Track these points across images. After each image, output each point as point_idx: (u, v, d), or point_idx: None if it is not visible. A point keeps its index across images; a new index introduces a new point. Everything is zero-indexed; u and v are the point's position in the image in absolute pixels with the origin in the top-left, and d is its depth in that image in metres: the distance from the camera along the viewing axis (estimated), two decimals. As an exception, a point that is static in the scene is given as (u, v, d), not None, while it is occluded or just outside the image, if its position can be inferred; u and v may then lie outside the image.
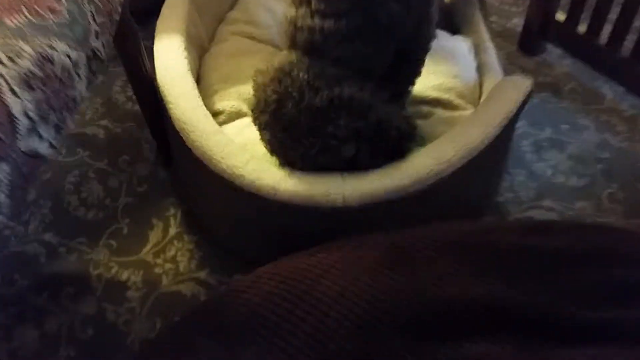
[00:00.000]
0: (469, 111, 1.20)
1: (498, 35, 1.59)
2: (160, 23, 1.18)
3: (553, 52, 1.50)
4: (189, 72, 1.09)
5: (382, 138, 0.89)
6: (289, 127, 0.86)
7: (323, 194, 0.87)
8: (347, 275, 0.71)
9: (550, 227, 0.86)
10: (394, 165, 0.92)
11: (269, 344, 0.63)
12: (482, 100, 1.22)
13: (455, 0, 1.45)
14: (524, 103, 1.02)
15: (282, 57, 0.89)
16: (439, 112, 1.19)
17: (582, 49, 1.39)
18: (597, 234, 0.80)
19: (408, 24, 0.91)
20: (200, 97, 1.05)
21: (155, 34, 1.16)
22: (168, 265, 1.09)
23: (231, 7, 1.42)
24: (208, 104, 1.17)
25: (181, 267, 1.08)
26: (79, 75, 0.79)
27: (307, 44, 0.87)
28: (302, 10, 0.86)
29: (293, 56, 0.87)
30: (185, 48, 1.13)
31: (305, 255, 0.81)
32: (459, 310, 0.64)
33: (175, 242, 1.13)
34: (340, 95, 0.84)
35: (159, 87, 1.06)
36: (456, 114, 1.19)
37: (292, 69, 0.85)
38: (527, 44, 1.53)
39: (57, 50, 0.75)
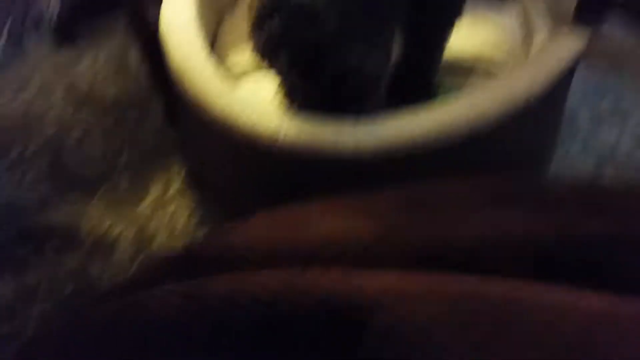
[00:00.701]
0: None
1: None
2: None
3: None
4: (197, 20, 0.98)
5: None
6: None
7: (330, 140, 0.74)
8: (345, 220, 0.58)
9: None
10: (421, 110, 0.78)
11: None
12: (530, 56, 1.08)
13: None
14: (574, 63, 0.86)
15: None
16: (476, 81, 1.04)
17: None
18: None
19: None
20: (205, 43, 0.94)
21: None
22: (165, 222, 0.98)
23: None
24: (224, 58, 1.07)
25: (179, 224, 0.98)
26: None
27: None
28: None
29: None
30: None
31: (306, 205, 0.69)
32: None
33: (176, 197, 1.02)
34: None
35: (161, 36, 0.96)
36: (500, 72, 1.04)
37: None
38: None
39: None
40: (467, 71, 1.05)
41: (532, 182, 0.76)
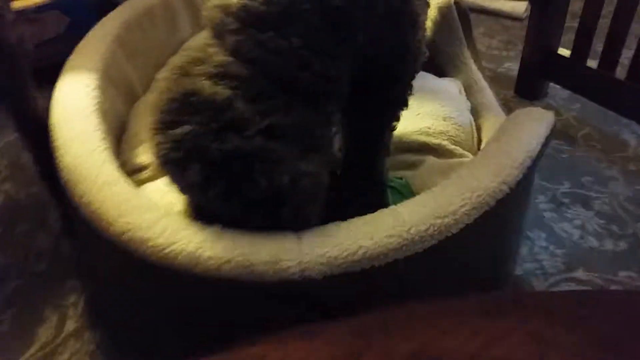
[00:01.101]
0: (468, 159, 0.94)
1: (490, 81, 1.36)
2: (71, 60, 0.94)
3: (558, 95, 1.28)
4: (96, 112, 0.82)
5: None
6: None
7: (269, 261, 0.57)
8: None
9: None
10: (377, 218, 0.63)
11: None
12: (483, 144, 0.97)
13: (438, 39, 1.24)
14: (548, 140, 0.76)
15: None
16: (430, 159, 0.93)
17: (594, 87, 1.16)
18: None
19: (377, 22, 0.65)
20: (108, 143, 0.77)
21: (63, 71, 0.91)
22: (55, 379, 0.76)
23: (174, 52, 1.17)
24: (130, 157, 0.90)
25: (73, 380, 0.75)
26: None
27: (213, 24, 0.60)
28: None
29: (202, 42, 0.60)
30: (98, 87, 0.87)
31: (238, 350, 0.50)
32: None
33: (71, 341, 0.80)
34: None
35: (51, 130, 0.79)
36: (452, 161, 0.92)
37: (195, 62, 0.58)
38: (526, 87, 1.30)
39: None
40: (421, 148, 0.94)
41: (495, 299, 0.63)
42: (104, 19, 1.07)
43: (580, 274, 0.87)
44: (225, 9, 0.59)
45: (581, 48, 1.15)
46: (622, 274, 0.87)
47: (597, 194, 1.02)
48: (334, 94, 0.61)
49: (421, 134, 0.97)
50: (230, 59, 0.56)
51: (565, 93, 1.27)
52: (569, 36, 1.19)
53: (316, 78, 0.58)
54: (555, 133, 1.14)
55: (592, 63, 1.15)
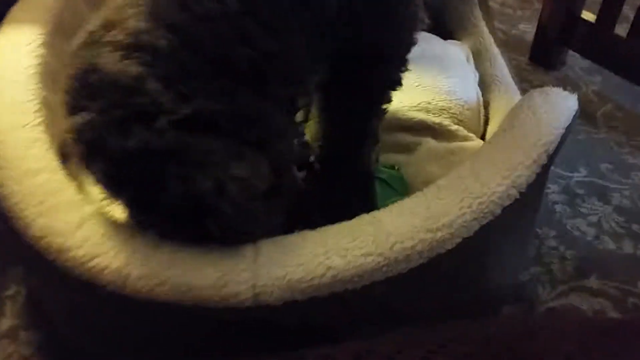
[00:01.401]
0: (472, 142, 0.81)
1: (502, 44, 1.21)
2: (15, 9, 0.79)
3: (577, 64, 1.14)
4: (37, 76, 0.69)
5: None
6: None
7: (213, 284, 0.46)
8: None
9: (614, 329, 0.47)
10: (354, 228, 0.51)
11: None
12: (491, 125, 0.85)
13: (446, -4, 1.09)
14: (569, 130, 0.63)
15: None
16: (428, 142, 0.80)
17: (621, 58, 1.01)
18: None
19: None
20: (44, 116, 0.64)
21: (3, 23, 0.77)
22: (-20, 389, 0.66)
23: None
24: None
25: (2, 391, 0.66)
26: None
27: None
28: None
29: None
30: (44, 44, 0.74)
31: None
32: None
33: (5, 343, 0.70)
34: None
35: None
36: (453, 145, 0.80)
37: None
38: (542, 55, 1.15)
39: None
40: (418, 127, 0.81)
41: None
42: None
43: (593, 282, 0.76)
44: None
45: (608, 12, 1.00)
46: (642, 283, 0.76)
47: (616, 185, 0.89)
48: (287, 74, 0.48)
49: (419, 110, 0.84)
50: (146, 24, 0.42)
51: (586, 63, 1.12)
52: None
53: (260, 55, 0.45)
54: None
55: (621, 30, 1.00)
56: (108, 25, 0.43)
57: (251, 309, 0.47)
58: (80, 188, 0.58)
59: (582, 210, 0.85)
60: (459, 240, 0.51)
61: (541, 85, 1.05)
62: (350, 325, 0.52)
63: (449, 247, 0.51)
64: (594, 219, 0.84)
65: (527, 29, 1.25)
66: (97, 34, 0.43)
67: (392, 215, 0.52)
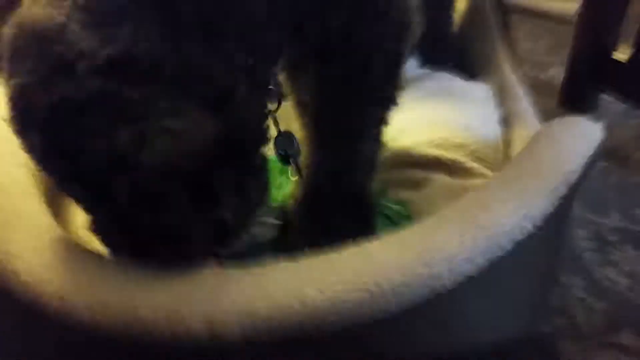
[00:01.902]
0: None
1: (530, 90, 1.16)
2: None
3: (611, 108, 1.06)
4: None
5: None
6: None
7: (165, 316, 0.40)
8: None
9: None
10: (335, 258, 0.45)
11: None
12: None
13: (467, 33, 1.06)
14: (593, 159, 0.56)
15: None
16: (441, 178, 0.74)
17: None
18: None
19: None
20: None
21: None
22: None
23: None
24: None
25: None
26: None
27: None
28: None
29: None
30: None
31: None
32: None
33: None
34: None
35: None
36: (469, 182, 0.73)
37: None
38: (572, 97, 1.09)
39: None
40: (431, 164, 0.76)
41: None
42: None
43: (625, 338, 0.66)
44: None
45: (643, 50, 0.94)
46: (686, 342, 0.66)
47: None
48: (240, 30, 0.42)
49: (433, 146, 0.79)
50: None
51: (621, 106, 1.05)
52: (626, 37, 0.98)
53: (208, 3, 0.40)
54: (604, 153, 0.95)
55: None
56: None
57: (207, 348, 0.40)
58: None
59: (614, 258, 0.77)
60: (460, 278, 0.44)
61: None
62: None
63: (449, 286, 0.44)
64: (627, 268, 0.75)
65: (557, 74, 1.20)
66: None
67: (382, 247, 0.46)
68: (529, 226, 0.48)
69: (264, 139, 0.47)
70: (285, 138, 0.58)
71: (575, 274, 0.75)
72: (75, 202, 0.43)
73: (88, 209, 0.43)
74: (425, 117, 0.84)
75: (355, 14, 0.49)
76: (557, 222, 0.54)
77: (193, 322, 0.39)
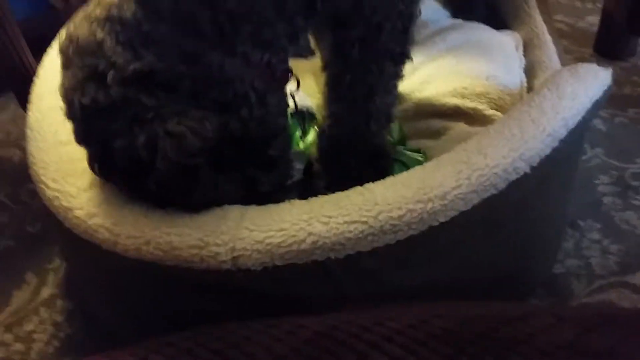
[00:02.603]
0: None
1: (566, 37, 1.15)
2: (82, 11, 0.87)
3: (647, 54, 1.04)
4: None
5: None
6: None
7: (195, 244, 0.47)
8: None
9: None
10: (341, 197, 0.51)
11: None
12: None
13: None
14: (597, 108, 0.58)
15: None
16: (459, 126, 0.77)
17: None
18: None
19: None
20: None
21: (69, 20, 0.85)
22: (17, 347, 0.71)
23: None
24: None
25: (34, 352, 0.70)
26: None
27: None
28: None
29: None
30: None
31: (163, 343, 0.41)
32: None
33: (41, 310, 0.75)
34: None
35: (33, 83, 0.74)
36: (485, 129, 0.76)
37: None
38: (607, 44, 1.07)
39: None
40: (451, 112, 0.79)
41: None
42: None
43: (637, 279, 0.69)
44: None
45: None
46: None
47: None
48: (255, 35, 0.48)
49: (454, 95, 0.81)
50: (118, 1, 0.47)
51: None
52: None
53: (223, 15, 0.46)
54: (634, 100, 0.95)
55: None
56: (97, 4, 0.48)
57: (230, 272, 0.47)
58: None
59: (635, 202, 0.78)
60: (454, 213, 0.49)
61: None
62: (337, 299, 0.51)
63: (442, 219, 0.49)
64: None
65: (595, 21, 1.17)
66: (85, 12, 0.48)
67: (383, 186, 0.51)
68: (524, 166, 0.51)
69: (284, 132, 0.53)
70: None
71: (594, 218, 0.77)
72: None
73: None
74: (448, 67, 0.86)
75: None
76: (560, 163, 0.57)
77: (219, 249, 0.46)
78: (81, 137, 0.49)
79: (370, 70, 0.58)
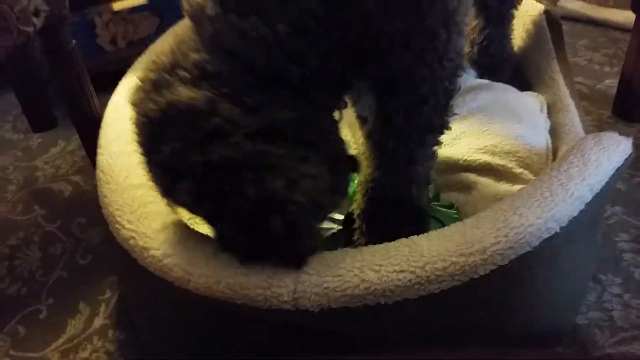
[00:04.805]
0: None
1: (586, 98, 1.22)
2: (138, 61, 0.97)
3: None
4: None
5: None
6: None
7: (260, 285, 0.53)
8: None
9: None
10: (390, 248, 0.56)
11: None
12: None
13: (525, 50, 1.13)
14: (619, 171, 0.64)
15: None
16: (488, 183, 0.83)
17: None
18: None
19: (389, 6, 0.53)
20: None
21: (128, 71, 0.94)
22: (73, 374, 0.76)
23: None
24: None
25: (89, 379, 0.76)
26: None
27: (192, 9, 0.53)
28: None
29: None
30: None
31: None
32: None
33: (95, 338, 0.81)
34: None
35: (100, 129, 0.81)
36: (515, 187, 0.82)
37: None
38: (625, 107, 1.14)
39: None
40: (481, 168, 0.85)
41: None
42: (176, 25, 1.08)
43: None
44: None
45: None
46: None
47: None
48: (328, 85, 0.54)
49: (485, 152, 0.88)
50: (207, 55, 0.50)
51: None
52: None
53: (307, 70, 0.51)
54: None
55: None
56: (167, 67, 0.51)
57: (291, 312, 0.53)
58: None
59: (654, 260, 0.83)
60: (493, 267, 0.54)
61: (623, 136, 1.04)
62: (385, 341, 0.56)
63: (482, 272, 0.54)
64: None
65: (614, 84, 1.24)
66: (161, 79, 0.51)
67: (428, 239, 0.57)
68: (554, 226, 0.57)
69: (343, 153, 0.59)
70: None
71: (615, 273, 0.82)
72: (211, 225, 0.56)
73: (219, 229, 0.56)
74: (479, 125, 0.93)
75: (418, 58, 0.57)
76: (585, 224, 0.62)
77: (281, 290, 0.52)
78: (199, 195, 0.50)
79: (412, 139, 0.64)
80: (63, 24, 0.84)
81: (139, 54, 1.02)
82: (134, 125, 0.53)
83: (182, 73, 0.50)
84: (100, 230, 1.00)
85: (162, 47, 0.98)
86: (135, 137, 0.53)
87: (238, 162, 0.48)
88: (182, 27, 0.54)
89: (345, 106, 0.62)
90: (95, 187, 1.09)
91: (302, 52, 0.51)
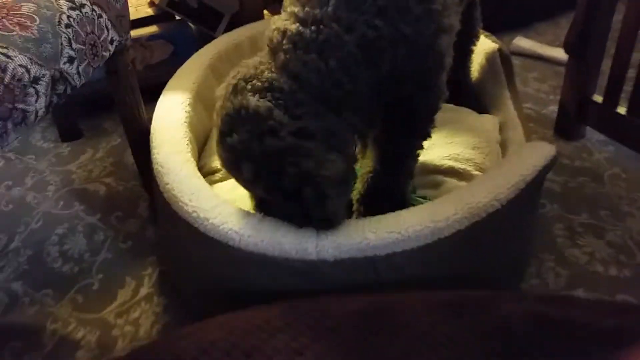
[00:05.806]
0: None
1: (533, 121, 1.48)
2: (171, 81, 1.18)
3: (594, 137, 1.37)
4: (186, 124, 1.05)
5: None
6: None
7: (292, 242, 0.75)
8: (307, 333, 0.57)
9: (569, 300, 0.70)
10: (382, 218, 0.79)
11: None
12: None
13: (482, 80, 1.38)
14: (546, 170, 0.89)
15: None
16: (452, 182, 1.07)
17: (623, 131, 1.25)
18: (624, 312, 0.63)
19: (400, 53, 0.77)
20: (191, 148, 0.99)
21: (164, 90, 1.15)
22: (128, 328, 0.96)
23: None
24: (208, 162, 1.13)
25: (142, 331, 0.95)
26: (36, 91, 0.74)
27: (272, 43, 0.76)
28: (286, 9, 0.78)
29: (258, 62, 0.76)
30: (189, 104, 1.11)
31: (263, 308, 0.68)
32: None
33: (142, 303, 1.01)
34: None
35: (151, 134, 1.02)
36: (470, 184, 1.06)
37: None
38: (564, 128, 1.40)
39: (12, 60, 0.71)
40: (447, 171, 1.08)
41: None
42: (201, 50, 1.30)
43: (579, 292, 0.97)
44: (284, 33, 0.74)
45: (612, 95, 1.25)
46: (620, 296, 0.96)
47: (611, 227, 1.11)
48: (356, 106, 0.77)
49: (450, 159, 1.11)
50: (276, 75, 0.72)
51: (602, 136, 1.36)
52: (604, 82, 1.29)
53: (343, 93, 0.74)
54: (583, 170, 1.26)
55: (623, 109, 1.24)
56: (247, 77, 0.73)
57: (314, 261, 0.75)
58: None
59: (579, 243, 1.07)
60: (453, 230, 0.78)
61: (562, 152, 1.30)
62: (376, 284, 0.78)
63: (447, 234, 0.77)
64: (588, 249, 1.06)
65: (555, 110, 1.50)
66: (239, 85, 0.73)
67: (409, 212, 0.80)
68: (497, 204, 0.81)
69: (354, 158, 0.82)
70: None
71: (550, 252, 1.06)
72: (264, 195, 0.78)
73: (266, 199, 0.78)
74: (445, 138, 1.17)
75: (418, 87, 0.82)
76: (521, 204, 0.86)
77: (308, 247, 0.74)
78: (257, 173, 0.72)
79: (406, 143, 0.88)
80: (126, 50, 1.05)
81: (155, 76, 1.21)
82: (216, 115, 0.75)
83: (257, 84, 0.72)
84: (137, 222, 1.20)
85: (192, 67, 1.19)
86: (215, 122, 0.76)
87: (283, 150, 0.70)
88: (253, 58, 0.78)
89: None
90: (127, 187, 1.31)
91: (343, 81, 0.74)
